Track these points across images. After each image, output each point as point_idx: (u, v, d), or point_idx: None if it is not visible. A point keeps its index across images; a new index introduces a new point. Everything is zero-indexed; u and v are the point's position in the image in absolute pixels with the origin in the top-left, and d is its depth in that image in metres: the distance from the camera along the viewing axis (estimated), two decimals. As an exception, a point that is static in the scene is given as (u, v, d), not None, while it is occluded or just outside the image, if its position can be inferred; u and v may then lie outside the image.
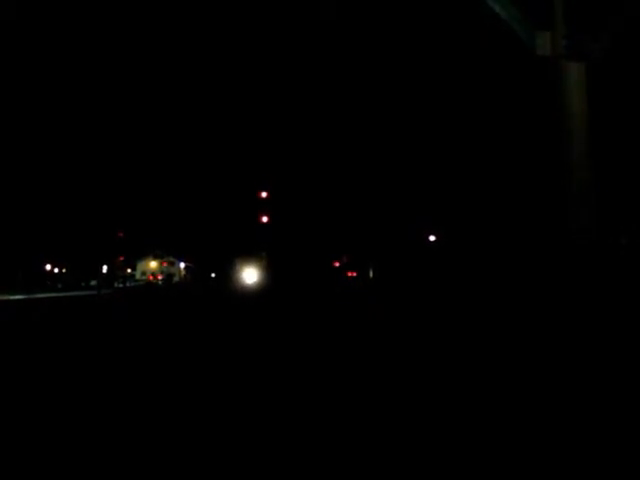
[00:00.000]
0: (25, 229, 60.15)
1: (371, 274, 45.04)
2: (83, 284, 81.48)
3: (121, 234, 72.22)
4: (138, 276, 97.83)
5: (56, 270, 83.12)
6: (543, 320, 8.25)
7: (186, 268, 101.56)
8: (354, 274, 59.00)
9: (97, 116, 64.14)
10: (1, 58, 44.03)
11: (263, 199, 44.53)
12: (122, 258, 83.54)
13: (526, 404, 4.71)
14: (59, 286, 76.21)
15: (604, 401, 4.59)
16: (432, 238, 43.66)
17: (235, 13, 52.22)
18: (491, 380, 5.76)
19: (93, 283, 75.61)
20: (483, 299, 17.78)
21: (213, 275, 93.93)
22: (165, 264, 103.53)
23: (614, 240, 18.21)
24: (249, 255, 60.88)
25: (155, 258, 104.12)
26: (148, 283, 78.36)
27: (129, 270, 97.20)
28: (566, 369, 5.06)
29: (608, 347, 4.86)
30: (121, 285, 75.65)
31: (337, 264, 62.70)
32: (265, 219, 44.69)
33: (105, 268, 76.27)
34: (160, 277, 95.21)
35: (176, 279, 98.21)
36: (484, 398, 5.04)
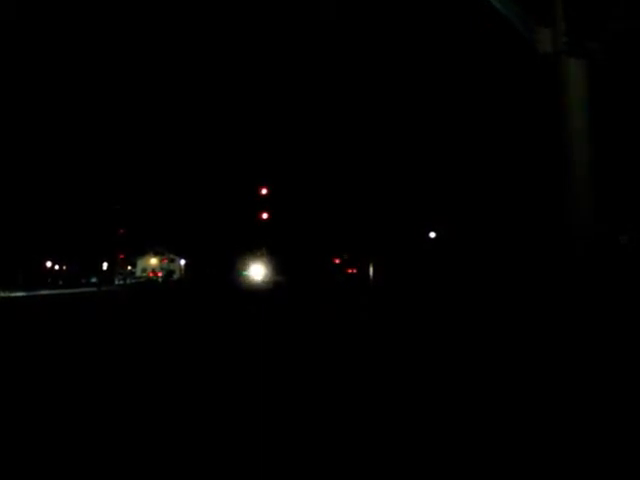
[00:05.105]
0: (25, 227, 60.12)
1: (371, 271, 44.97)
2: (83, 281, 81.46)
3: (122, 231, 72.19)
4: (138, 273, 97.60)
5: (57, 267, 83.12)
6: (542, 319, 8.24)
7: (186, 265, 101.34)
8: (354, 271, 58.77)
9: (97, 114, 64.05)
10: (1, 58, 43.95)
11: (263, 196, 44.51)
12: (122, 255, 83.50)
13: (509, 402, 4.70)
14: (60, 283, 76.28)
15: (602, 399, 4.59)
16: (432, 235, 43.58)
17: (236, 12, 52.12)
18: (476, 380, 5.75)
19: (94, 280, 75.61)
20: (482, 297, 17.76)
21: (214, 272, 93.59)
22: (165, 261, 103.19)
23: (614, 239, 18.15)
24: (251, 252, 60.69)
25: (155, 255, 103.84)
26: (148, 280, 78.29)
27: (129, 267, 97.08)
28: (565, 367, 5.05)
29: (607, 345, 4.86)
30: (121, 282, 75.61)
31: (337, 261, 62.47)
32: (265, 216, 44.68)
33: (105, 265, 76.26)
34: (160, 274, 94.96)
35: (176, 276, 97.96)
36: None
